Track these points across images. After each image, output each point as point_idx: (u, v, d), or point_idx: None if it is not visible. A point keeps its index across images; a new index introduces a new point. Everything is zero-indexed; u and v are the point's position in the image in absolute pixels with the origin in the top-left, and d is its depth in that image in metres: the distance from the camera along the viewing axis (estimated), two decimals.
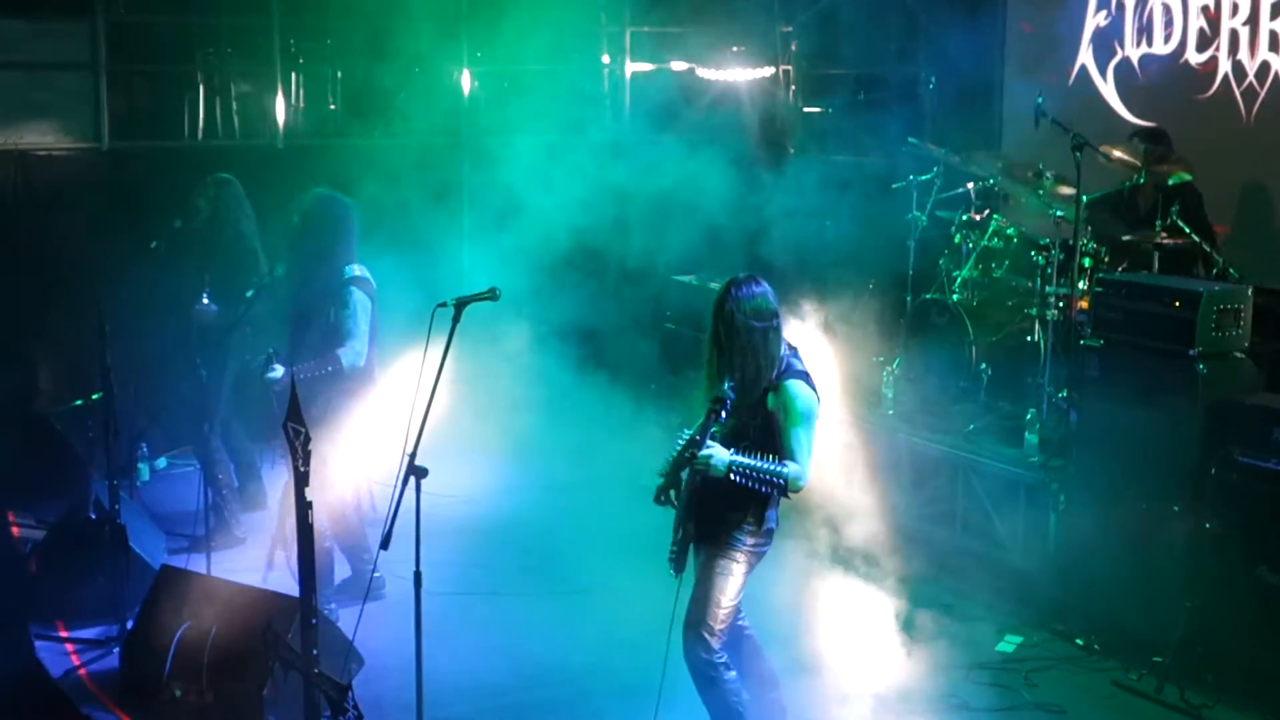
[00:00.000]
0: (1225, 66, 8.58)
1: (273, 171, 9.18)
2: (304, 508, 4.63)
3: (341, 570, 7.01)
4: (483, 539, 7.92)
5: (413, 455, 4.81)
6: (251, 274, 7.58)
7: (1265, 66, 8.35)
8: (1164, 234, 7.52)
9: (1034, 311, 7.87)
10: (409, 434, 4.84)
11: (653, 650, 5.17)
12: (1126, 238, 7.85)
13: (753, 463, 4.92)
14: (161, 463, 9.01)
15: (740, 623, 5.34)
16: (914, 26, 10.99)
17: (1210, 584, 6.16)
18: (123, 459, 7.53)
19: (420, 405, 4.86)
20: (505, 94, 11.07)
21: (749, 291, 5.05)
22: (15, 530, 7.74)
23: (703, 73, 11.62)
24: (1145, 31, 9.10)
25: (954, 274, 8.34)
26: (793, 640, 6.31)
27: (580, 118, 10.73)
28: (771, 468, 4.93)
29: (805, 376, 5.11)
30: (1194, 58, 8.78)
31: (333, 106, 10.69)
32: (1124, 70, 9.27)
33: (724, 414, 4.94)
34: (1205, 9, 8.68)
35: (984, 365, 7.98)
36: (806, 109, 11.94)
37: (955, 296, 8.20)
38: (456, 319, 4.98)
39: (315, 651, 4.80)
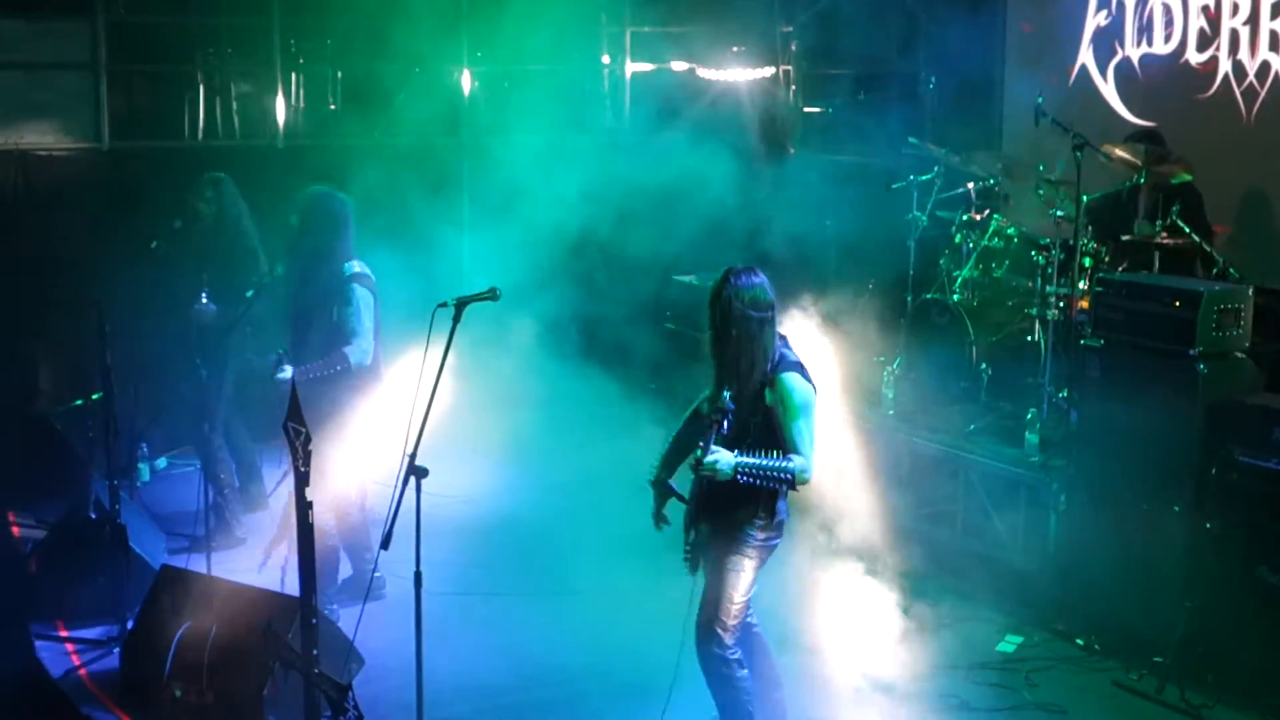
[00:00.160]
0: (1225, 66, 8.58)
1: (273, 171, 9.18)
2: (304, 507, 4.64)
3: (343, 569, 7.01)
4: (483, 539, 7.92)
5: (413, 455, 4.82)
6: (251, 274, 7.58)
7: (1265, 66, 8.35)
8: (1164, 234, 7.52)
9: (1034, 311, 7.88)
10: (409, 434, 4.84)
11: (652, 650, 5.18)
12: (1126, 238, 7.85)
13: (758, 462, 4.94)
14: (161, 463, 9.00)
15: (749, 620, 5.37)
16: (914, 26, 11.01)
17: (1210, 584, 6.16)
18: (123, 459, 7.53)
19: (420, 405, 4.86)
20: (505, 93, 11.07)
21: (748, 281, 5.07)
22: (15, 530, 7.74)
23: (703, 72, 11.61)
24: (1145, 31, 9.10)
25: (954, 274, 8.34)
26: (792, 640, 6.31)
27: (580, 117, 10.74)
28: (777, 464, 4.94)
29: (800, 367, 5.13)
30: (1194, 58, 8.78)
31: (333, 106, 10.69)
32: (1124, 70, 9.27)
33: (725, 426, 4.95)
34: (1205, 9, 8.69)
35: (984, 365, 7.98)
36: (806, 109, 11.94)
37: (955, 296, 8.20)
38: (457, 319, 4.98)
39: (315, 651, 4.81)
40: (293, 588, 5.61)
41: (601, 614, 6.76)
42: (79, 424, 8.04)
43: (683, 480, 5.37)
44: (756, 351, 5.06)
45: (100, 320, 6.69)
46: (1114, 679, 6.32)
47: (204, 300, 7.64)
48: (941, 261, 8.54)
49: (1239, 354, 6.46)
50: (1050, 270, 7.71)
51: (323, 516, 6.21)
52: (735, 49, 11.70)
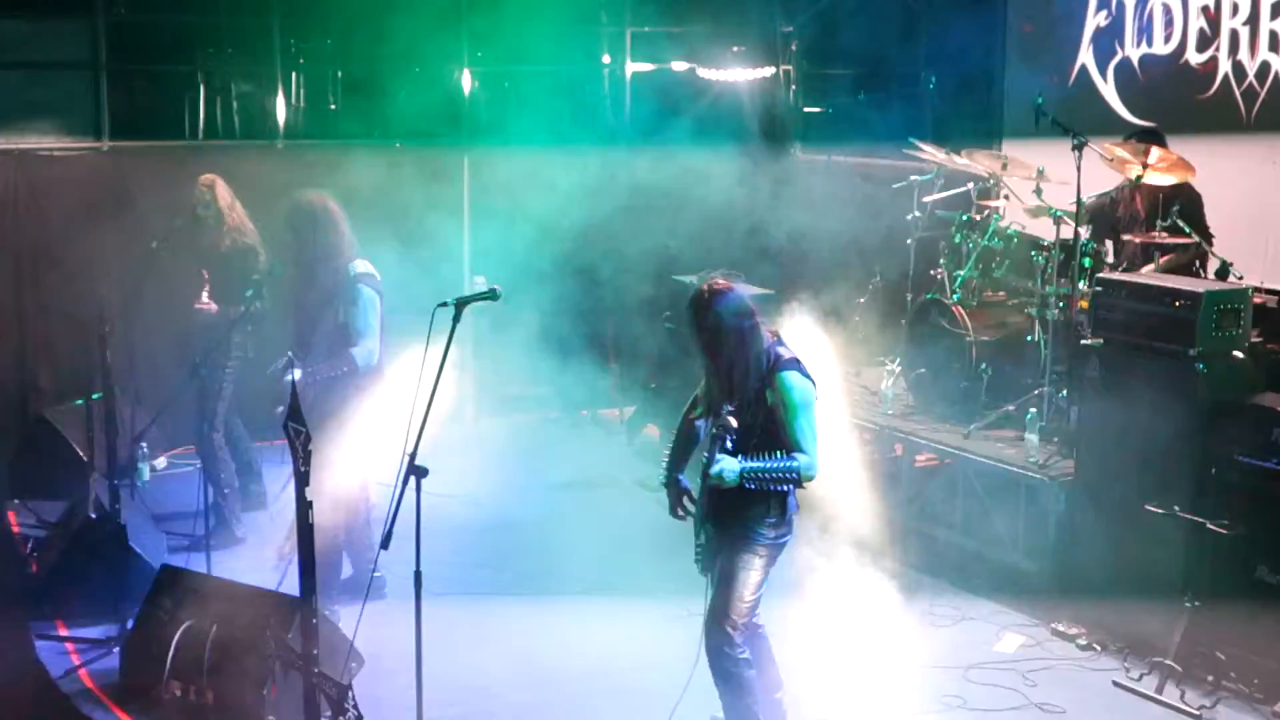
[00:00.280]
0: (1225, 66, 8.58)
1: (273, 171, 9.17)
2: (304, 508, 4.64)
3: (343, 569, 7.01)
4: (483, 539, 7.92)
5: (413, 455, 4.81)
6: (251, 273, 7.58)
7: (1265, 66, 8.35)
8: (1164, 234, 7.52)
9: (1034, 311, 7.88)
10: (409, 433, 4.84)
11: (652, 650, 5.17)
12: (1126, 238, 7.85)
13: (763, 465, 4.97)
14: (161, 463, 9.00)
15: (755, 620, 5.37)
16: (914, 26, 11.00)
17: (1210, 584, 6.16)
18: (123, 459, 7.53)
19: (420, 405, 4.86)
20: (505, 93, 11.07)
21: (724, 298, 5.10)
22: (15, 530, 7.74)
23: (703, 72, 11.61)
24: (1145, 31, 9.10)
25: (954, 274, 8.34)
26: (792, 640, 6.30)
27: (580, 117, 10.73)
28: (782, 465, 4.97)
29: (797, 364, 5.15)
30: (1194, 58, 8.78)
31: (333, 106, 10.68)
32: (1124, 70, 9.27)
33: (729, 441, 4.97)
34: (1205, 9, 8.68)
35: (984, 365, 7.98)
36: (807, 108, 11.94)
37: (955, 296, 8.20)
38: (457, 319, 4.98)
39: (315, 651, 4.80)
40: (293, 588, 5.62)
41: (602, 614, 6.76)
42: (79, 424, 8.05)
43: (690, 479, 5.40)
44: (749, 357, 5.09)
45: (100, 320, 6.69)
46: (1114, 679, 6.32)
47: (205, 300, 7.64)
48: (941, 262, 8.54)
49: (1239, 354, 6.46)
50: (1050, 270, 7.71)
51: (330, 515, 6.22)
52: (735, 48, 11.71)
